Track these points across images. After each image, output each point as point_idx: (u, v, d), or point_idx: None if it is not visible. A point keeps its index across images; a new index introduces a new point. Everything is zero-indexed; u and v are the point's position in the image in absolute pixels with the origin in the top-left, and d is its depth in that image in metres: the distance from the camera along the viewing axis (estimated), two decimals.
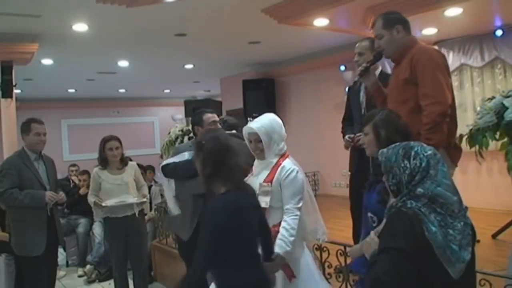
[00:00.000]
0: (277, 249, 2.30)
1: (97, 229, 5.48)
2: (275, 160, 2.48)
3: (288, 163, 2.46)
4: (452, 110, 2.45)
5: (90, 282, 5.00)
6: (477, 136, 3.46)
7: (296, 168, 2.45)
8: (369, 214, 2.19)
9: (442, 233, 1.51)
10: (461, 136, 3.56)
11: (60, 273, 5.27)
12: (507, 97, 3.34)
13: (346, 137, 3.39)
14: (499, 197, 5.58)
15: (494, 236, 4.33)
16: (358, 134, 3.14)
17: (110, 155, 3.79)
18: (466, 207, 1.63)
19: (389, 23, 2.53)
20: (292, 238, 2.32)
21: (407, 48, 2.52)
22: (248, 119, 7.33)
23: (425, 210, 1.54)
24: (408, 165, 1.60)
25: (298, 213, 2.36)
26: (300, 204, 2.40)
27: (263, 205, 2.44)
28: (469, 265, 1.57)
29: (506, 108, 3.23)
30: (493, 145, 3.57)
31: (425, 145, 1.67)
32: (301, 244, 2.49)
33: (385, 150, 1.71)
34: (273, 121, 2.51)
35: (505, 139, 3.32)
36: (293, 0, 4.70)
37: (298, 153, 2.71)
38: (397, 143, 1.71)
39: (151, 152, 11.67)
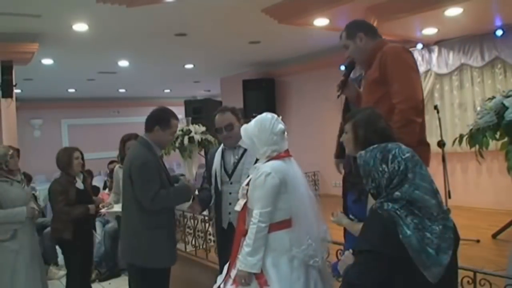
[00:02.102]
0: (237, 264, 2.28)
1: (98, 229, 5.48)
2: (262, 163, 2.38)
3: (265, 166, 2.33)
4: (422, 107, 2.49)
5: (90, 282, 4.99)
6: (477, 136, 3.45)
7: (267, 171, 2.28)
8: (350, 216, 2.18)
9: (419, 236, 1.48)
10: (461, 136, 3.56)
11: (60, 273, 5.27)
12: (507, 97, 3.33)
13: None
14: (499, 197, 5.58)
15: (494, 236, 4.33)
16: None
17: None
18: (448, 210, 1.60)
19: (351, 33, 2.63)
20: (248, 249, 2.23)
21: (374, 52, 2.56)
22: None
23: (402, 213, 1.51)
24: (386, 169, 1.58)
25: (256, 221, 2.24)
26: (265, 210, 2.25)
27: (237, 208, 2.41)
28: (449, 269, 1.54)
29: (506, 108, 3.23)
30: (493, 145, 3.57)
31: (403, 146, 1.65)
32: (275, 253, 2.29)
33: (363, 153, 1.67)
34: (258, 122, 2.41)
35: (505, 139, 3.32)
36: (293, 0, 4.70)
37: (298, 153, 2.68)
38: (375, 146, 1.67)
39: None
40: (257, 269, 2.24)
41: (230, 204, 2.93)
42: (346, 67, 2.70)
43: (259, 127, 2.39)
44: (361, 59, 2.62)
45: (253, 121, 2.44)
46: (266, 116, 2.44)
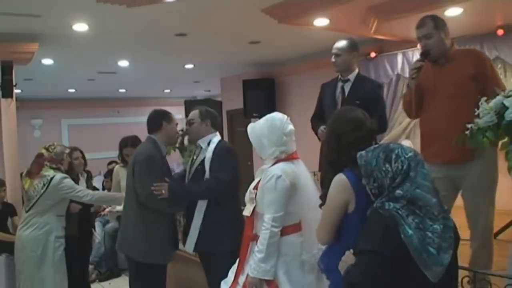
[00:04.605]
0: (247, 269, 2.22)
1: (97, 229, 5.48)
2: (269, 166, 2.32)
3: (274, 168, 2.26)
4: None
5: (90, 282, 4.99)
6: (477, 136, 3.45)
7: (277, 174, 2.21)
8: None
9: (420, 236, 1.49)
10: (461, 136, 3.56)
11: None
12: (508, 97, 3.33)
13: (322, 127, 3.24)
14: (499, 197, 5.50)
15: (494, 236, 4.32)
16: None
17: (127, 159, 3.84)
18: (448, 209, 1.61)
19: (440, 24, 2.76)
20: (261, 255, 2.14)
21: (450, 50, 2.79)
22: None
23: (403, 212, 1.51)
24: (389, 169, 1.58)
25: (268, 226, 2.16)
26: (278, 215, 2.17)
27: (245, 213, 2.32)
28: (449, 268, 1.54)
29: (507, 108, 3.23)
30: None
31: (405, 146, 1.66)
32: (286, 258, 2.23)
33: (363, 153, 1.68)
34: (268, 121, 2.35)
35: (505, 139, 3.32)
36: (293, 0, 4.70)
37: (298, 153, 2.67)
38: (376, 146, 1.69)
39: None
40: (271, 276, 2.16)
41: None
42: (424, 54, 2.80)
43: (268, 126, 2.32)
44: (439, 51, 2.75)
45: (262, 120, 2.37)
46: (277, 115, 2.39)
